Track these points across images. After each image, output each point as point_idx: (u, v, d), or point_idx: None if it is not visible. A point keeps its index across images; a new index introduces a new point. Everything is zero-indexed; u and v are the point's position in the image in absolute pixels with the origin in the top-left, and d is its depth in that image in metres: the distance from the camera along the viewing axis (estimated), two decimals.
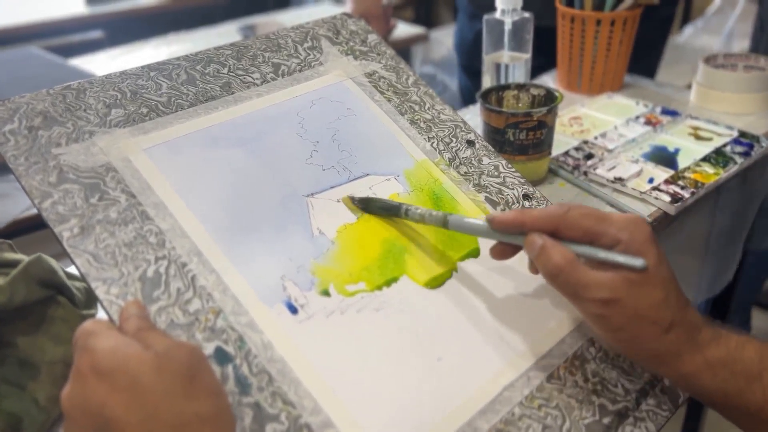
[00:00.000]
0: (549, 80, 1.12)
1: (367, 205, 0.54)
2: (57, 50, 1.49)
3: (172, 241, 0.47)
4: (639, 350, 0.44)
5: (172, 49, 1.61)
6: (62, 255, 0.46)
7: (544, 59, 1.11)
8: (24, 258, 0.50)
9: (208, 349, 0.43)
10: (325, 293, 0.48)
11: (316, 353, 0.45)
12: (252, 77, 0.60)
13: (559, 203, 0.47)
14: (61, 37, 1.97)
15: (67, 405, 0.35)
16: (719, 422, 1.52)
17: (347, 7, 1.32)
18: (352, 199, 0.55)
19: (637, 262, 0.42)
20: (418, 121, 0.63)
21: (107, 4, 2.11)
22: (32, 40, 1.87)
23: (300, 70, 0.63)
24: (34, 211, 0.97)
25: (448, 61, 2.17)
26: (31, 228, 0.98)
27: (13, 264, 0.50)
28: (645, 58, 1.21)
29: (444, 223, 0.50)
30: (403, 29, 1.75)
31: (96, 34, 1.99)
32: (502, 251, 0.49)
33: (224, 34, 1.73)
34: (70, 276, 0.54)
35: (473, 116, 0.96)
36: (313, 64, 0.64)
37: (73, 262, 0.44)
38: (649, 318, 0.42)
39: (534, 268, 0.49)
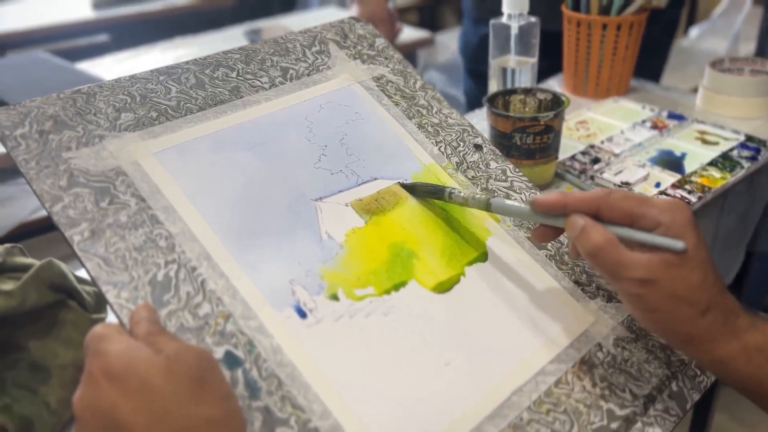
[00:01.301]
0: (555, 84, 1.12)
1: (413, 190, 0.57)
2: (63, 54, 1.50)
3: (182, 245, 0.47)
4: (674, 332, 0.44)
5: (178, 53, 1.62)
6: (71, 258, 0.46)
7: (549, 63, 1.11)
8: (35, 262, 0.51)
9: (218, 353, 0.43)
10: (334, 297, 0.48)
11: (325, 357, 0.45)
12: (260, 81, 0.61)
13: (601, 188, 0.48)
14: (68, 41, 1.98)
15: (78, 408, 0.36)
16: (726, 427, 1.51)
17: (353, 11, 1.33)
18: (401, 183, 0.58)
19: (677, 244, 0.42)
20: (426, 126, 0.64)
21: (114, 8, 2.11)
22: (39, 44, 1.88)
23: (308, 74, 0.63)
24: (41, 213, 0.97)
25: (453, 65, 2.17)
26: (40, 231, 0.98)
27: (24, 268, 0.50)
28: (650, 61, 1.21)
29: (487, 206, 0.52)
30: (409, 33, 1.75)
31: (102, 38, 2.00)
32: (544, 233, 0.50)
33: (230, 37, 1.73)
34: (80, 280, 0.54)
35: (479, 120, 0.96)
36: (321, 68, 0.65)
37: (84, 266, 0.44)
38: (686, 300, 0.43)
39: (574, 251, 0.49)
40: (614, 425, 0.46)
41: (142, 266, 0.45)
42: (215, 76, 0.59)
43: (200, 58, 0.61)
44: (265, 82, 0.61)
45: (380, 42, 0.70)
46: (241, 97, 0.59)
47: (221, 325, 0.44)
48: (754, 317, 0.45)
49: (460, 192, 0.54)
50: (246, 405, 0.41)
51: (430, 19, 3.34)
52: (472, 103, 1.36)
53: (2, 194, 1.01)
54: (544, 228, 0.50)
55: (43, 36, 1.96)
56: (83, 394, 0.36)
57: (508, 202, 0.51)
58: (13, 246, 0.53)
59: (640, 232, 0.44)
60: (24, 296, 0.48)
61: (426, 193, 0.57)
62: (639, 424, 0.47)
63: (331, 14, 2.02)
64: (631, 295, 0.44)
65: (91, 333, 0.38)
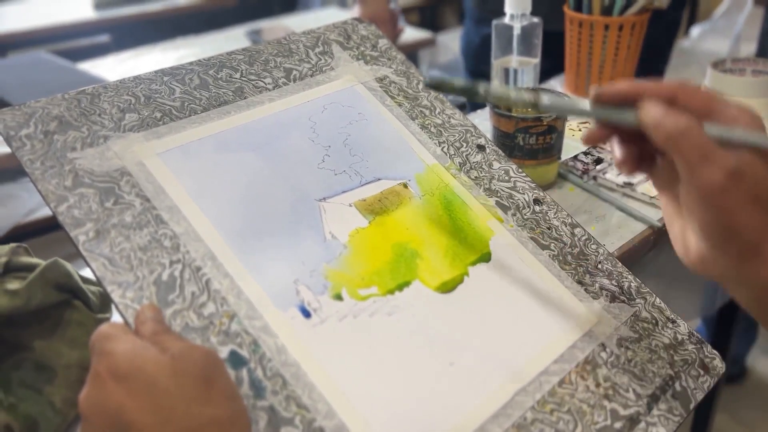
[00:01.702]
0: (557, 85, 1.12)
1: (440, 86, 0.48)
2: (65, 54, 1.50)
3: (187, 245, 0.47)
4: (741, 242, 0.40)
5: (180, 53, 1.62)
6: (76, 257, 0.46)
7: (551, 63, 1.11)
8: (40, 262, 0.51)
9: (223, 352, 0.43)
10: (338, 297, 0.48)
11: (330, 357, 0.45)
12: (264, 82, 0.61)
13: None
14: (69, 41, 1.98)
15: (84, 407, 0.36)
16: (726, 427, 1.51)
17: (355, 11, 1.33)
18: (424, 80, 0.52)
19: None
20: (429, 126, 0.64)
21: (115, 8, 2.11)
22: (40, 44, 1.88)
23: (311, 75, 0.63)
24: (45, 212, 0.97)
25: (454, 66, 2.17)
26: (45, 230, 0.98)
27: (29, 268, 0.51)
28: (652, 62, 1.21)
29: (534, 104, 0.45)
30: (411, 33, 1.75)
31: (103, 38, 2.00)
32: (599, 134, 0.45)
33: (232, 38, 1.73)
34: (85, 280, 0.54)
35: (481, 120, 0.96)
36: (324, 68, 0.65)
37: (89, 266, 0.44)
38: (765, 204, 0.39)
39: (629, 158, 0.45)
40: (618, 425, 0.47)
41: (147, 266, 0.45)
42: (219, 77, 0.60)
43: (204, 59, 0.61)
44: (269, 83, 0.61)
45: (383, 43, 0.70)
46: (245, 98, 0.59)
47: (226, 325, 0.44)
48: None
49: (498, 86, 0.46)
50: (251, 404, 0.42)
51: (431, 19, 3.34)
52: (474, 104, 1.36)
53: (2, 193, 1.01)
54: (601, 128, 0.45)
55: (44, 36, 1.96)
56: (89, 393, 0.36)
57: (561, 96, 0.46)
58: (18, 246, 0.53)
59: (729, 127, 0.40)
60: (29, 296, 0.48)
61: (457, 90, 0.47)
62: (643, 424, 0.47)
63: (333, 14, 2.02)
64: (712, 189, 0.39)
65: (96, 332, 0.38)
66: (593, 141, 0.46)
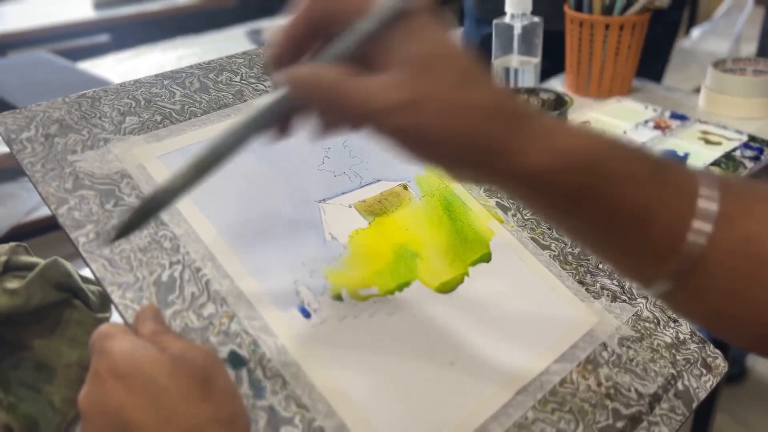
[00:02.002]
0: (557, 84, 1.12)
1: (126, 229, 0.36)
2: (64, 54, 1.50)
3: (186, 246, 0.47)
4: (464, 149, 0.32)
5: (179, 53, 1.62)
6: (76, 257, 0.46)
7: (552, 63, 1.11)
8: (39, 261, 0.51)
9: (223, 352, 0.43)
10: (338, 298, 0.48)
11: (330, 357, 0.45)
12: (264, 85, 0.61)
13: None
14: (69, 41, 1.98)
15: (84, 406, 0.36)
16: (726, 427, 1.51)
17: None
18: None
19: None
20: None
21: (115, 8, 2.12)
22: (40, 44, 1.88)
23: None
24: (42, 212, 0.98)
25: None
26: (44, 230, 0.98)
27: (29, 267, 0.51)
28: (652, 62, 1.21)
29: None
30: None
31: (103, 38, 2.00)
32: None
33: (231, 38, 1.73)
34: (85, 279, 0.54)
35: None
36: None
37: (89, 267, 0.44)
38: (461, 101, 0.31)
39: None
40: (620, 424, 0.47)
41: (147, 267, 0.45)
42: (219, 80, 0.60)
43: (204, 63, 0.61)
44: (269, 86, 0.61)
45: None
46: (245, 101, 0.59)
47: (225, 325, 0.44)
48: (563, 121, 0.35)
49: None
50: (250, 404, 0.42)
51: None
52: None
53: (2, 192, 1.01)
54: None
55: (44, 36, 1.96)
56: (89, 392, 0.36)
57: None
58: (18, 245, 0.53)
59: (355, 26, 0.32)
60: (29, 295, 0.48)
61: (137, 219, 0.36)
62: (645, 423, 0.47)
63: None
64: (401, 134, 0.32)
65: (97, 332, 0.38)
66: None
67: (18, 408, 0.47)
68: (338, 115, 0.34)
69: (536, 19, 0.91)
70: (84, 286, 0.53)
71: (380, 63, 0.32)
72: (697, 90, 1.04)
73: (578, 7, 1.00)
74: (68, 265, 0.52)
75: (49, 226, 0.98)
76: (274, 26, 1.76)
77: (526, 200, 0.35)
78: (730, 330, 0.36)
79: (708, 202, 0.32)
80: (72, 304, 0.51)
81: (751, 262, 0.32)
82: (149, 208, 0.35)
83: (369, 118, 0.32)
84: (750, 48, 2.11)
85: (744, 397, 1.56)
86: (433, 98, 0.31)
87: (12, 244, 0.53)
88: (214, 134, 0.54)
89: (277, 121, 0.36)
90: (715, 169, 0.80)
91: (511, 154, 0.32)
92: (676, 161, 0.35)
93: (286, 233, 0.51)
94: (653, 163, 0.34)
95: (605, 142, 0.33)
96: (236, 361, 0.43)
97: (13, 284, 0.49)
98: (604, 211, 0.33)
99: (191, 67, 0.60)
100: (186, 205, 0.49)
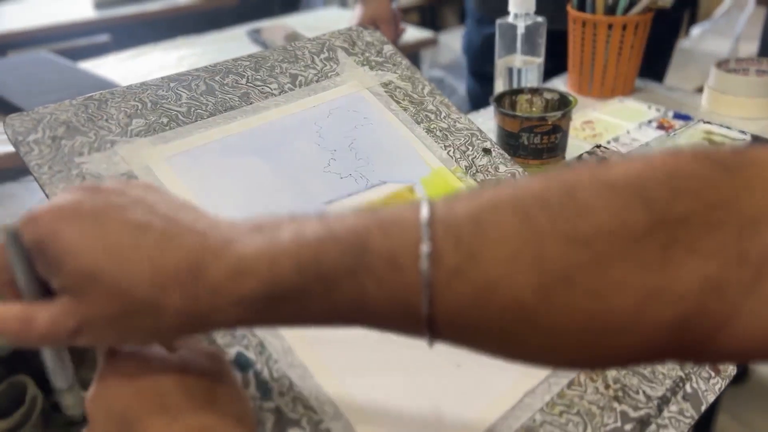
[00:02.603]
0: (560, 84, 1.12)
1: None
2: (65, 54, 1.50)
3: None
4: (159, 332, 0.33)
5: (181, 53, 1.61)
6: None
7: (554, 63, 1.11)
8: None
9: (230, 354, 0.43)
10: None
11: (336, 359, 0.45)
12: (270, 87, 0.61)
13: None
14: (69, 41, 1.98)
15: (91, 407, 0.36)
16: (727, 427, 1.51)
17: (356, 11, 1.33)
18: None
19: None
20: (434, 130, 0.64)
21: (115, 8, 2.11)
22: (40, 43, 1.87)
23: (317, 81, 0.64)
24: None
25: (456, 65, 2.17)
26: None
27: None
28: (654, 61, 1.21)
29: None
30: (412, 33, 1.75)
31: (103, 38, 2.00)
32: None
33: (232, 38, 1.73)
34: None
35: (484, 120, 0.96)
36: (329, 74, 0.65)
37: None
38: (117, 312, 0.32)
39: None
40: (628, 427, 0.47)
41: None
42: (225, 82, 0.60)
43: (210, 66, 0.61)
44: (275, 89, 0.61)
45: (388, 49, 0.70)
46: (251, 104, 0.59)
47: None
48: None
49: None
50: (258, 406, 0.42)
51: (431, 19, 3.34)
52: (476, 103, 1.36)
53: (3, 192, 1.01)
54: None
55: (44, 36, 1.95)
56: (96, 393, 0.36)
57: None
58: None
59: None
60: None
61: None
62: (653, 426, 0.47)
63: (334, 14, 2.02)
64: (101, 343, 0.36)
65: None
66: None
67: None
68: (40, 342, 0.34)
69: (539, 18, 0.90)
70: None
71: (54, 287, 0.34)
72: (698, 90, 1.04)
73: (581, 7, 1.00)
74: None
75: None
76: (274, 26, 1.76)
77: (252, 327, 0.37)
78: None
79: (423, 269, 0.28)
80: None
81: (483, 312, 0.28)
82: None
83: (66, 342, 0.34)
84: (750, 47, 2.11)
85: (746, 397, 1.56)
86: (94, 321, 0.32)
87: None
88: (220, 136, 0.54)
89: None
90: None
91: (202, 320, 0.32)
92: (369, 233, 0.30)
93: None
94: (348, 252, 0.29)
95: (288, 260, 0.30)
96: (243, 362, 0.43)
97: None
98: (324, 319, 0.32)
99: (197, 69, 0.60)
100: None
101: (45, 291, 0.34)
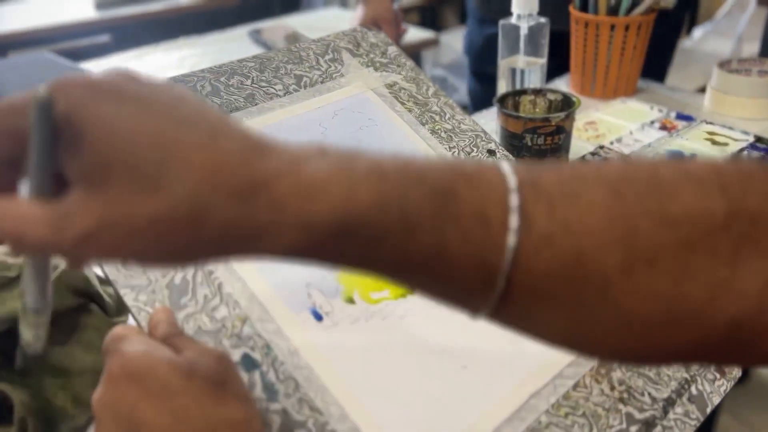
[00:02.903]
0: (562, 85, 1.12)
1: None
2: (66, 54, 1.50)
3: None
4: (181, 254, 0.28)
5: (182, 53, 1.61)
6: None
7: (556, 63, 1.11)
8: (58, 264, 0.50)
9: (236, 355, 0.43)
10: (350, 301, 0.48)
11: (342, 360, 0.45)
12: (275, 89, 0.61)
13: None
14: (70, 41, 1.98)
15: (98, 408, 0.35)
16: (728, 427, 1.50)
17: (358, 11, 1.32)
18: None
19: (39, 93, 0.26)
20: (439, 131, 0.64)
21: (116, 8, 2.11)
22: (41, 44, 1.87)
23: (322, 82, 0.63)
24: None
25: (457, 65, 2.17)
26: None
27: None
28: (655, 61, 1.21)
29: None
30: (414, 34, 1.75)
31: (104, 38, 2.00)
32: None
33: (233, 38, 1.73)
34: (102, 281, 0.54)
35: (487, 122, 0.96)
36: (334, 75, 0.65)
37: (102, 270, 0.44)
38: (149, 214, 0.26)
39: None
40: (633, 429, 0.46)
41: (160, 269, 0.45)
42: (230, 83, 0.59)
43: (215, 67, 0.61)
44: (280, 90, 0.61)
45: (392, 50, 0.70)
46: (256, 105, 0.59)
47: (238, 328, 0.44)
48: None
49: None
50: (264, 407, 0.42)
51: (432, 19, 3.34)
52: (477, 104, 1.36)
53: None
54: None
55: (45, 36, 1.95)
56: (103, 394, 0.36)
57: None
58: None
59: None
60: None
61: None
62: (659, 428, 0.47)
63: (335, 14, 2.02)
64: (107, 259, 0.29)
65: (111, 334, 0.38)
66: None
67: (33, 411, 0.46)
68: (34, 251, 0.29)
69: (542, 19, 0.90)
70: (101, 289, 0.53)
71: (68, 178, 0.27)
72: (700, 90, 1.04)
73: (583, 8, 1.00)
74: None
75: None
76: (275, 26, 1.76)
77: (305, 262, 0.29)
78: (577, 347, 0.31)
79: (512, 222, 0.27)
80: (88, 309, 0.51)
81: (579, 274, 0.27)
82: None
83: (66, 253, 0.27)
84: (751, 48, 2.11)
85: (747, 397, 1.56)
86: (117, 221, 0.26)
87: None
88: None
89: None
90: None
91: (251, 240, 0.27)
92: (465, 172, 0.28)
93: None
94: (434, 196, 0.27)
95: (367, 191, 0.26)
96: (249, 364, 0.43)
97: None
98: (392, 266, 0.28)
99: (202, 70, 0.60)
100: None
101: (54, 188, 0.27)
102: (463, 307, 0.29)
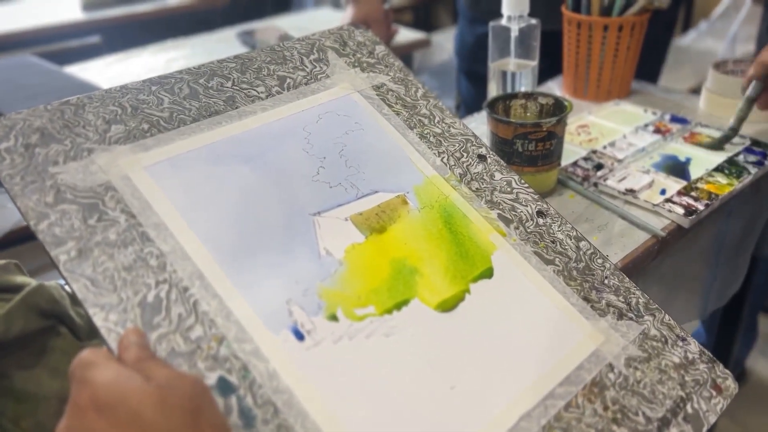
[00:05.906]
0: (554, 87, 1.10)
1: None
2: (53, 56, 1.47)
3: (174, 263, 0.45)
4: None
5: (170, 55, 1.59)
6: None
7: (548, 63, 1.09)
8: (29, 282, 0.48)
9: (211, 378, 0.41)
10: (333, 318, 0.46)
11: (324, 382, 0.43)
12: (257, 91, 0.59)
13: None
14: (58, 43, 1.95)
15: None
16: (727, 429, 1.49)
17: (347, 12, 1.30)
18: None
19: None
20: (428, 136, 0.61)
21: (104, 9, 2.08)
22: (28, 46, 1.84)
23: (306, 83, 0.61)
24: None
25: (449, 65, 2.16)
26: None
27: (16, 289, 0.48)
28: (649, 61, 1.19)
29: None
30: (405, 35, 1.73)
31: (93, 39, 1.97)
32: None
33: (223, 39, 1.70)
34: (75, 300, 0.52)
35: (478, 125, 0.94)
36: (319, 76, 0.62)
37: (71, 288, 0.42)
38: None
39: None
40: None
41: (132, 287, 0.43)
42: (210, 85, 0.57)
43: (194, 68, 0.58)
44: (262, 92, 0.59)
45: (380, 49, 0.68)
46: (237, 108, 0.56)
47: (214, 349, 0.42)
48: None
49: None
50: None
51: (425, 19, 3.32)
52: (469, 106, 1.34)
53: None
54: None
55: (31, 38, 1.92)
56: (68, 425, 0.34)
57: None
58: (9, 262, 0.51)
59: None
60: (8, 324, 0.45)
61: None
62: None
63: (326, 15, 2.00)
64: None
65: (77, 359, 0.36)
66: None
67: None
68: None
69: (533, 21, 0.88)
70: (73, 310, 0.50)
71: None
72: (693, 90, 1.02)
73: (576, 8, 0.98)
74: (57, 287, 0.49)
75: None
76: (265, 27, 1.73)
77: None
78: None
79: None
80: (57, 332, 0.49)
81: None
82: None
83: None
84: (745, 48, 2.10)
85: (743, 398, 1.55)
86: None
87: (2, 261, 0.50)
88: (204, 143, 0.52)
89: None
90: (719, 175, 0.78)
91: None
92: None
93: (279, 249, 0.49)
94: None
95: None
96: (225, 388, 0.41)
97: None
98: None
99: (180, 72, 0.57)
100: (173, 220, 0.47)
101: None
102: None
